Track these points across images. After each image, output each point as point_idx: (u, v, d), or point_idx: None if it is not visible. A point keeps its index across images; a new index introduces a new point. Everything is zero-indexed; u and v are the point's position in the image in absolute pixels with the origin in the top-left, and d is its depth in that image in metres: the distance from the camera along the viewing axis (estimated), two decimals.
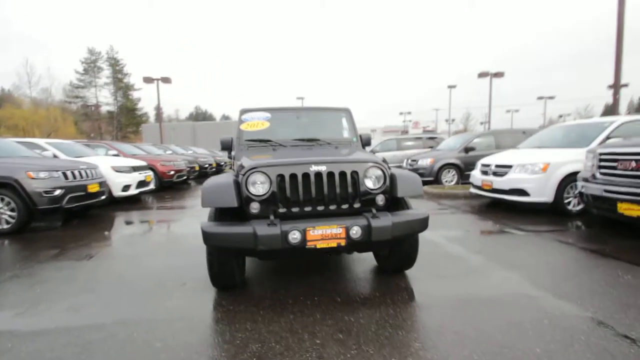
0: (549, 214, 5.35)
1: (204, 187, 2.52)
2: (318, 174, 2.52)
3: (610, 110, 10.21)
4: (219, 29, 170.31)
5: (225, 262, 2.57)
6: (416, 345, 1.96)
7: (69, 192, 5.25)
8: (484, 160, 6.47)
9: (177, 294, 2.77)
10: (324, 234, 2.32)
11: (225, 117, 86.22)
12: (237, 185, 2.50)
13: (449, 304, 2.47)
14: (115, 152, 9.41)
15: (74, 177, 5.47)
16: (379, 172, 2.63)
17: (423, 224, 2.56)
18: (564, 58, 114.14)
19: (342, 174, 2.55)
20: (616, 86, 9.18)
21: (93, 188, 5.80)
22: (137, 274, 3.27)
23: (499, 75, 21.31)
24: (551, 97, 38.16)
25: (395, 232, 2.39)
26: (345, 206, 2.56)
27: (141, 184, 7.94)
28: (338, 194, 2.53)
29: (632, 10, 9.04)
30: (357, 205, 2.57)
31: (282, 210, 2.47)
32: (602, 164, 4.17)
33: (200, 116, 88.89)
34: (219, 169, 16.34)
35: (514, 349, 1.87)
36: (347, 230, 2.33)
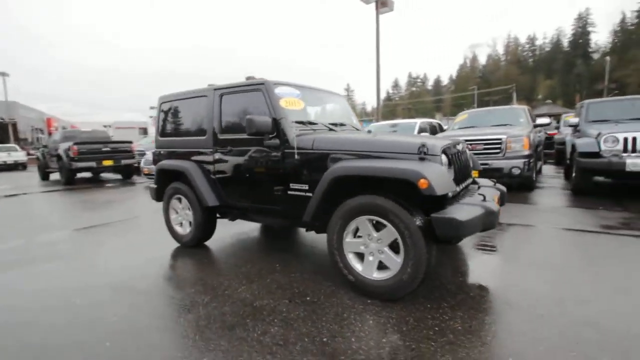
0: None
1: (425, 173, 2.00)
2: (462, 153, 2.71)
3: None
4: None
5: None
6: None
7: None
8: None
9: None
10: None
11: None
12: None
13: None
14: None
15: None
16: None
17: None
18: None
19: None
20: (378, 98, 13.36)
21: None
22: None
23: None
24: None
25: None
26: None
27: None
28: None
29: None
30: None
31: (455, 188, 2.44)
32: None
33: None
34: None
35: None
36: None
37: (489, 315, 2.06)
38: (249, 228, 4.38)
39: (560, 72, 62.16)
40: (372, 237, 2.31)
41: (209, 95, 3.33)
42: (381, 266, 2.32)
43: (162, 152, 3.86)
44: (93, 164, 9.89)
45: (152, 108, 41.95)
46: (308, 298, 2.38)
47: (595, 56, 59.51)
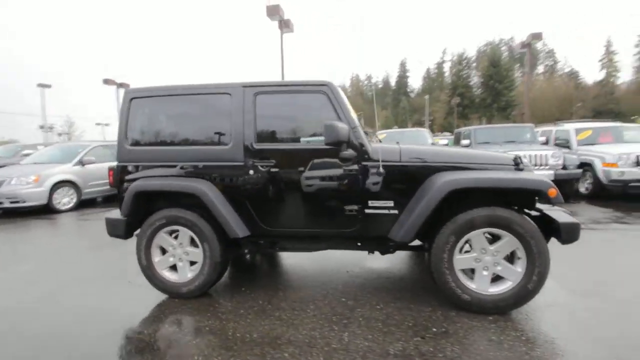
0: None
1: (552, 183, 2.11)
2: None
3: None
4: None
5: None
6: None
7: None
8: None
9: None
10: None
11: None
12: None
13: None
14: None
15: None
16: None
17: None
18: None
19: None
20: None
21: None
22: None
23: (125, 85, 20.33)
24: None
25: None
26: None
27: None
28: None
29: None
30: None
31: None
32: None
33: None
34: None
35: None
36: None
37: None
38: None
39: (391, 105, 77.11)
40: (487, 251, 2.24)
41: (234, 94, 2.58)
42: (492, 279, 2.28)
43: (135, 167, 2.72)
44: None
45: None
46: (434, 329, 2.08)
47: (412, 95, 76.69)
